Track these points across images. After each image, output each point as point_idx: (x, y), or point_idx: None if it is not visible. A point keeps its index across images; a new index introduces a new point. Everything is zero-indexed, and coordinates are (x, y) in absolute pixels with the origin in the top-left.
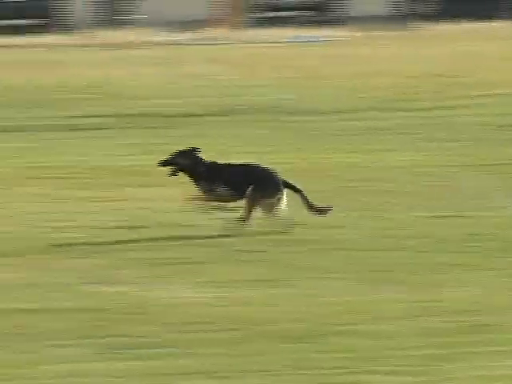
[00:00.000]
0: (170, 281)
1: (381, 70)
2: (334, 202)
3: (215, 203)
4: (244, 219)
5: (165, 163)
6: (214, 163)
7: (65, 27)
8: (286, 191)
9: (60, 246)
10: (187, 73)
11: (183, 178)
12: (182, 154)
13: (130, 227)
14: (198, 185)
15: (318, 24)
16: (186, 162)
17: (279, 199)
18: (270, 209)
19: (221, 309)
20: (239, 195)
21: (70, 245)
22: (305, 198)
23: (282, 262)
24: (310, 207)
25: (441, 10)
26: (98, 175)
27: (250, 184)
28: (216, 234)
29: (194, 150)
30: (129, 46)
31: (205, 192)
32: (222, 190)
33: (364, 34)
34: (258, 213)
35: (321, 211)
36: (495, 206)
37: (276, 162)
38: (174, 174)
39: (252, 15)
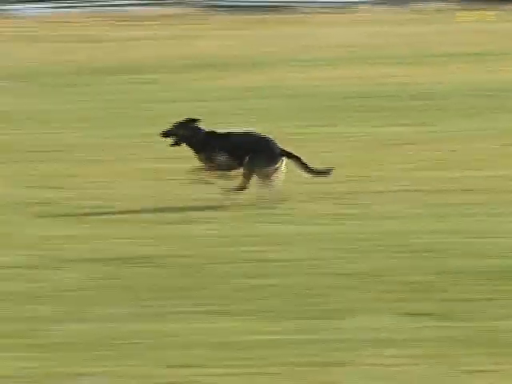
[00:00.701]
0: None
1: None
2: None
3: (216, 173)
4: (240, 188)
5: (166, 134)
6: (213, 132)
7: None
8: (284, 161)
9: None
10: None
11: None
12: (181, 125)
13: None
14: (197, 154)
15: None
16: (184, 133)
17: (276, 169)
18: (266, 179)
19: None
20: (238, 164)
21: None
22: (302, 163)
23: None
24: (309, 170)
25: None
26: None
27: (248, 153)
28: None
29: (192, 120)
30: None
31: (204, 160)
32: (221, 158)
33: None
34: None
35: (321, 173)
36: None
37: None
38: (175, 144)
39: None
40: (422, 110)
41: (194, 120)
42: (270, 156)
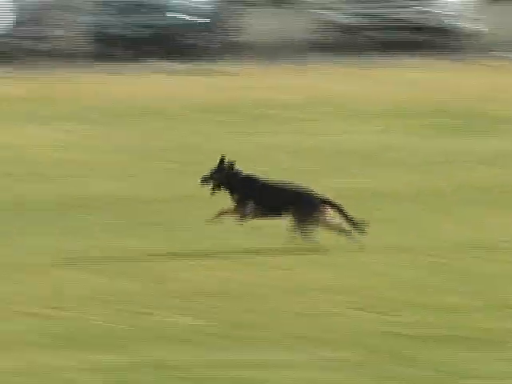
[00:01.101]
0: None
1: None
2: None
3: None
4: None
5: (204, 180)
6: (248, 178)
7: None
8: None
9: None
10: None
11: None
12: (217, 168)
13: None
14: (232, 198)
15: None
16: (220, 176)
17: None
18: (308, 228)
19: None
20: (269, 215)
21: None
22: (344, 213)
23: None
24: (350, 221)
25: None
26: None
27: (286, 205)
28: None
29: (228, 163)
30: None
31: (235, 207)
32: (251, 208)
33: None
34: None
35: (358, 225)
36: None
37: None
38: (214, 190)
39: None
40: None
41: (229, 163)
42: (311, 207)
